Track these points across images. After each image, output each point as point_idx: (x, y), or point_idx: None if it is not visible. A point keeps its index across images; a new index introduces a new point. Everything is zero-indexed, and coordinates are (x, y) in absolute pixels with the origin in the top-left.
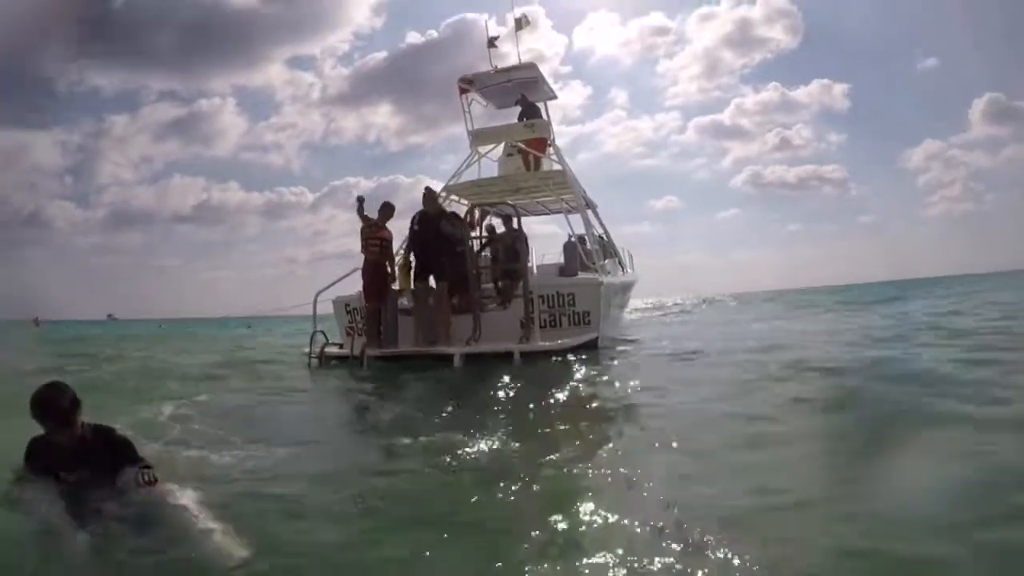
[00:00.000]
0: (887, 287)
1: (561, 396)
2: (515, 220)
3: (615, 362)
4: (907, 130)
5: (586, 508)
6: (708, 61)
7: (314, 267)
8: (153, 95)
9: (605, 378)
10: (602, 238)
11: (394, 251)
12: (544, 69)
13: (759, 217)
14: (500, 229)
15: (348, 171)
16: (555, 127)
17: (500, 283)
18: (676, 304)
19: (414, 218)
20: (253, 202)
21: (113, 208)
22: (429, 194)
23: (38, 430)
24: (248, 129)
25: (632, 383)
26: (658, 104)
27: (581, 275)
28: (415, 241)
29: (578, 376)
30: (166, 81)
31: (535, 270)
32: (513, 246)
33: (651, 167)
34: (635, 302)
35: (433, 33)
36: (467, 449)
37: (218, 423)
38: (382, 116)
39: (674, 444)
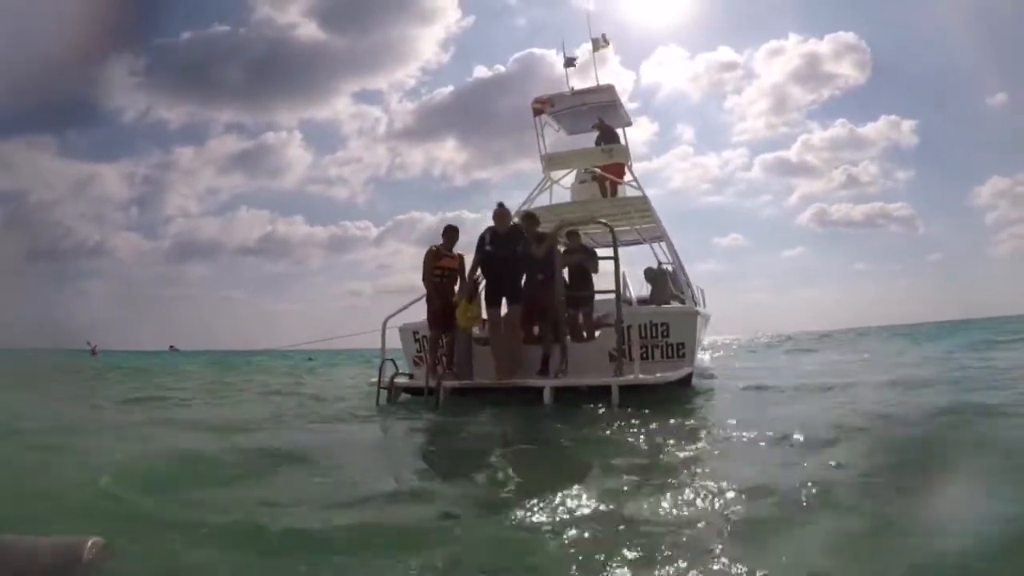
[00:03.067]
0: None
1: (689, 441)
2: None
3: (726, 400)
4: (975, 167)
5: None
6: (776, 97)
7: (378, 300)
8: (220, 128)
9: (725, 418)
10: (680, 271)
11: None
12: None
13: (824, 255)
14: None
15: (413, 205)
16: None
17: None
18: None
19: (484, 237)
20: (318, 236)
21: (178, 240)
22: (502, 212)
23: None
24: (314, 162)
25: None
26: (725, 140)
27: (674, 304)
28: (487, 262)
29: (693, 416)
30: (233, 114)
31: (632, 298)
32: (582, 267)
33: (717, 204)
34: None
35: (500, 68)
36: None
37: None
38: (448, 151)
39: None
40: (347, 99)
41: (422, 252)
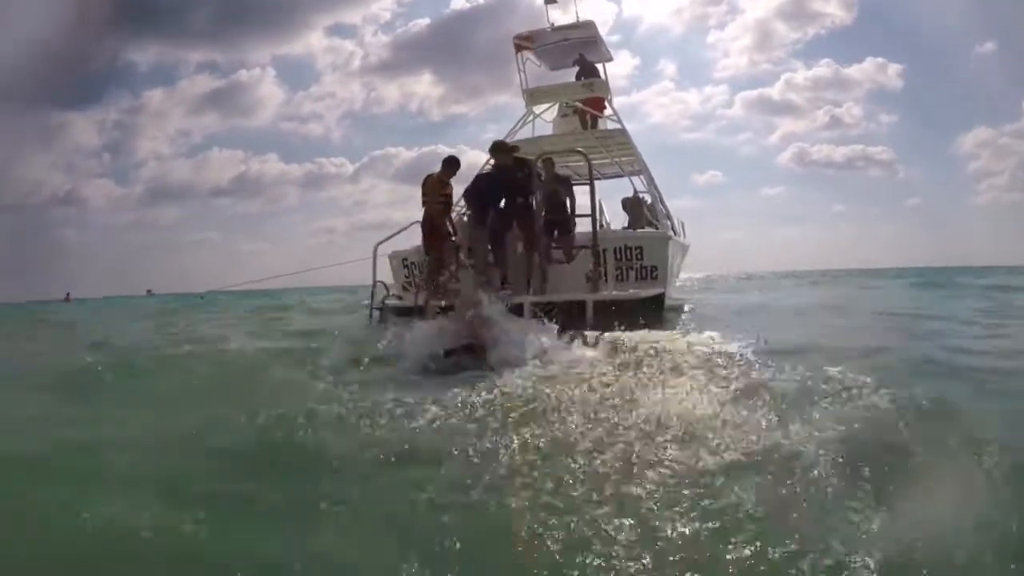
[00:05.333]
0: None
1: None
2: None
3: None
4: (959, 115)
5: None
6: (760, 33)
7: (353, 237)
8: (191, 67)
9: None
10: (659, 201)
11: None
12: None
13: (804, 196)
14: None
15: (389, 141)
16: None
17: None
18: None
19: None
20: (292, 173)
21: (151, 184)
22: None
23: None
24: (287, 99)
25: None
26: (706, 76)
27: (648, 229)
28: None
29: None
30: (204, 52)
31: (607, 223)
32: (556, 194)
33: (696, 140)
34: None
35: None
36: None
37: None
38: (424, 85)
39: None
40: (320, 33)
41: (398, 188)
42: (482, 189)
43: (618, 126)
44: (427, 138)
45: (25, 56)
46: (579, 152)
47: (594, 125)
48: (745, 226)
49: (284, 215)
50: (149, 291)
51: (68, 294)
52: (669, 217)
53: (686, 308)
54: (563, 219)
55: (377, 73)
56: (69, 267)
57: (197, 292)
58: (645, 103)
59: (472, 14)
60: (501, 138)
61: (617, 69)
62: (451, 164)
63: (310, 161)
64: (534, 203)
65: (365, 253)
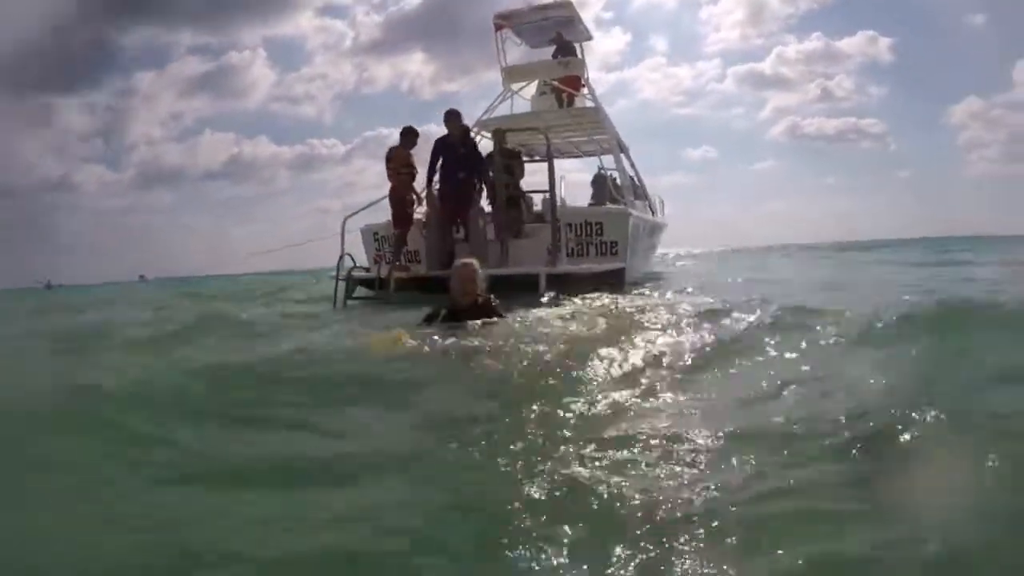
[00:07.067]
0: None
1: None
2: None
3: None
4: (951, 87)
5: None
6: (753, 7)
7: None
8: (182, 49)
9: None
10: (633, 180)
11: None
12: (586, 15)
13: (794, 169)
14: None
15: (381, 121)
16: (593, 73)
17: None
18: None
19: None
20: (284, 155)
21: (143, 168)
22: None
23: None
24: (278, 80)
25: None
26: (698, 51)
27: (610, 205)
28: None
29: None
30: (194, 35)
31: (564, 199)
32: (508, 168)
33: (688, 116)
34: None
35: None
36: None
37: None
38: (415, 64)
39: None
40: (311, 13)
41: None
42: (435, 158)
43: (593, 104)
44: (419, 118)
45: (14, 40)
46: (535, 128)
47: (570, 103)
48: (736, 200)
49: (276, 197)
50: (142, 276)
51: (48, 281)
52: (645, 196)
53: None
54: (515, 195)
55: (369, 53)
56: (62, 253)
57: (189, 276)
58: (637, 79)
59: None
60: (480, 116)
61: (609, 45)
62: (411, 134)
63: (301, 143)
64: (484, 178)
65: (356, 235)
